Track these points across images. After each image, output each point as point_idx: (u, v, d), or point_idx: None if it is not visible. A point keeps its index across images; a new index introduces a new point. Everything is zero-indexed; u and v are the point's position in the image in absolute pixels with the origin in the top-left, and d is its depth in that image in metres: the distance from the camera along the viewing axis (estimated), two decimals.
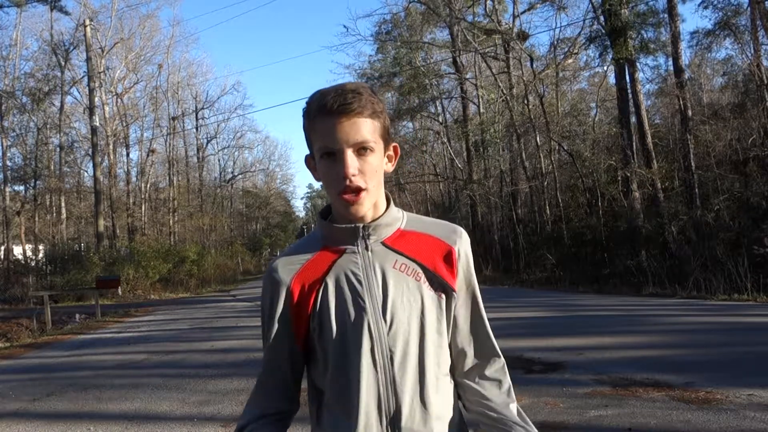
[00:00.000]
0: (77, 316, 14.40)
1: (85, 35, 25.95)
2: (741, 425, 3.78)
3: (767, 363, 5.50)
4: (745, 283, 11.58)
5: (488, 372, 1.27)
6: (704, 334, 7.55)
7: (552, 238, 20.35)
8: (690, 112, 18.51)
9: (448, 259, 1.21)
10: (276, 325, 1.22)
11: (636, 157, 18.91)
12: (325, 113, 1.13)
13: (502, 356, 1.29)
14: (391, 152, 1.23)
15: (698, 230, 15.51)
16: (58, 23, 32.51)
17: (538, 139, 22.33)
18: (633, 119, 19.72)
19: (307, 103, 1.17)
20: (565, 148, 22.78)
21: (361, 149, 1.13)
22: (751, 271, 11.89)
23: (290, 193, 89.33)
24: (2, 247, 25.49)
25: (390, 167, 1.23)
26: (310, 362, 1.25)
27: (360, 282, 1.18)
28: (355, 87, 1.15)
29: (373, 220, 1.20)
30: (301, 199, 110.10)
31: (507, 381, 1.28)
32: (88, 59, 26.02)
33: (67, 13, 29.59)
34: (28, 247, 27.50)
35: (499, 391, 1.26)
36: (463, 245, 1.24)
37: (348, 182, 1.12)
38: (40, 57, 30.65)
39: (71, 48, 29.94)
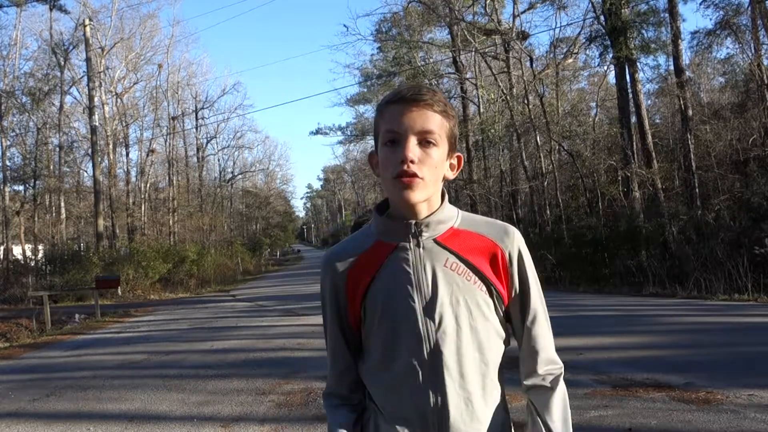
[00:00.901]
0: (77, 316, 14.37)
1: (84, 35, 25.93)
2: (741, 425, 3.77)
3: (767, 363, 5.49)
4: (746, 283, 11.57)
5: (544, 381, 1.26)
6: (704, 334, 7.54)
7: (552, 238, 20.30)
8: (690, 112, 18.48)
9: (498, 260, 1.20)
10: (335, 313, 1.24)
11: (636, 157, 18.88)
12: (396, 101, 1.15)
13: (560, 362, 1.27)
14: (454, 161, 1.23)
15: (698, 230, 15.49)
16: (57, 23, 32.59)
17: (538, 139, 22.29)
18: (633, 119, 19.69)
19: (381, 100, 1.21)
20: (566, 148, 22.75)
21: (425, 141, 1.14)
22: (751, 271, 11.87)
23: (290, 193, 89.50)
24: (2, 247, 25.45)
25: (451, 175, 1.23)
26: (358, 356, 1.26)
27: (410, 279, 1.17)
28: (432, 88, 1.19)
29: (427, 216, 1.19)
30: (301, 199, 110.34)
31: (560, 390, 1.25)
32: (88, 59, 26.00)
33: (66, 12, 29.52)
34: (28, 247, 27.48)
35: (547, 408, 1.24)
36: (515, 247, 1.21)
37: (405, 167, 1.12)
38: (40, 57, 30.59)
39: (71, 48, 29.87)
